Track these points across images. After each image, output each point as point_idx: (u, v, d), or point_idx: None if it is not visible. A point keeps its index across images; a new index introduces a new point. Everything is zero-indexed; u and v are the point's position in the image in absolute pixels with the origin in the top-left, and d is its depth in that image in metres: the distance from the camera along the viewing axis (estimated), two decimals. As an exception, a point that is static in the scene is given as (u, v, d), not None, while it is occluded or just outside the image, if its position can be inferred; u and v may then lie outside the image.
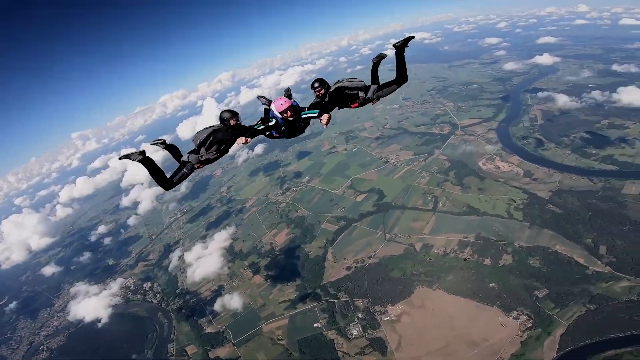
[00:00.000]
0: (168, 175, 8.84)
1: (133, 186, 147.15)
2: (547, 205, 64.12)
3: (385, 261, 62.37)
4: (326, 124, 9.07)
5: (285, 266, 70.32)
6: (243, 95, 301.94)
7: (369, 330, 52.29)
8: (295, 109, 9.13)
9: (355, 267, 63.30)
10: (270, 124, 9.04)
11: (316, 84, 9.79)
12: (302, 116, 9.32)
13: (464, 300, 51.79)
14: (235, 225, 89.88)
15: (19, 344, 75.09)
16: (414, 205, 74.03)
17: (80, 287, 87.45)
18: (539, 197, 66.47)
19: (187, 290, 73.76)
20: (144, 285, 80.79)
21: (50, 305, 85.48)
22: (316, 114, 9.17)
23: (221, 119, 8.93)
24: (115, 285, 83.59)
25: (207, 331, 62.28)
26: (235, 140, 8.90)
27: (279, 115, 9.02)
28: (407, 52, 9.77)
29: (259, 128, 9.00)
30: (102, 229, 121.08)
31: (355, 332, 52.73)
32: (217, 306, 66.31)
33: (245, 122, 9.23)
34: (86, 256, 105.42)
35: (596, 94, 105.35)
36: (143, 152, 8.23)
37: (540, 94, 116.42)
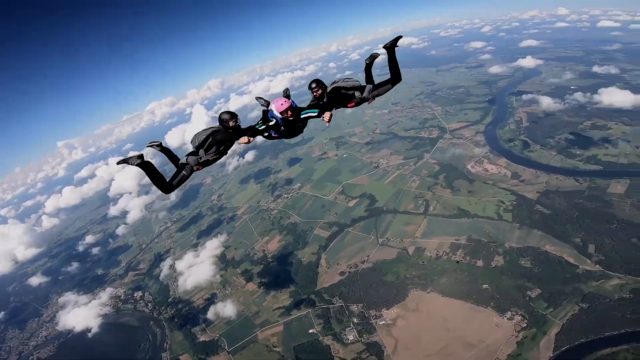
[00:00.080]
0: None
1: (121, 195, 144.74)
2: (535, 206, 65.24)
3: (379, 265, 62.48)
4: (328, 122, 9.14)
5: (278, 273, 69.87)
6: (233, 102, 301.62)
7: (364, 335, 52.11)
8: (294, 109, 9.22)
9: (349, 272, 63.22)
10: (270, 123, 9.08)
11: (313, 85, 10.00)
12: (302, 116, 9.38)
13: (458, 302, 52.10)
14: (227, 233, 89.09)
15: (8, 354, 73.34)
16: (406, 209, 74.51)
17: (69, 297, 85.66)
18: (527, 198, 67.63)
19: (180, 299, 72.67)
20: (135, 295, 79.38)
21: (39, 315, 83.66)
22: (316, 114, 9.24)
23: (220, 120, 8.97)
24: (104, 295, 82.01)
25: (201, 340, 61.35)
26: (234, 142, 8.92)
27: (279, 115, 9.08)
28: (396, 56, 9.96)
29: (259, 128, 9.02)
30: (90, 238, 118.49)
31: (351, 337, 52.51)
32: (210, 314, 65.37)
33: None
34: (74, 266, 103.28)
35: (578, 96, 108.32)
36: (141, 156, 8.16)
37: (524, 97, 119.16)
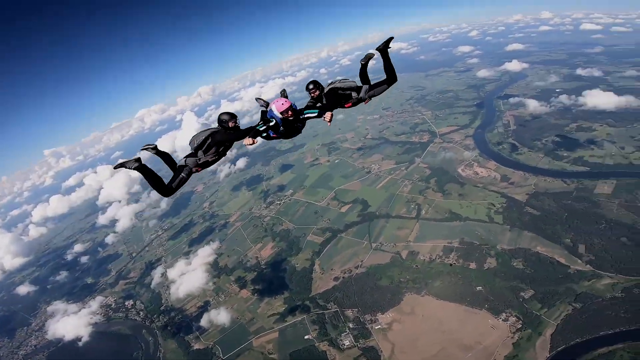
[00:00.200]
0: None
1: (110, 204, 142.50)
2: (525, 208, 66.15)
3: (373, 270, 62.55)
4: (330, 121, 9.28)
5: (272, 279, 69.44)
6: (224, 108, 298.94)
7: (360, 340, 51.98)
8: (294, 109, 9.28)
9: (343, 277, 63.14)
10: (271, 124, 9.08)
11: (311, 86, 10.05)
12: (304, 116, 9.50)
13: (453, 305, 52.38)
14: (219, 240, 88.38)
15: (-2, 363, 71.86)
16: (398, 213, 74.88)
17: (58, 305, 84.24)
18: (517, 201, 68.55)
19: (172, 307, 71.75)
20: (126, 303, 78.21)
21: (27, 324, 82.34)
22: (316, 114, 9.37)
23: (220, 120, 8.92)
24: (95, 304, 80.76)
25: (195, 348, 60.64)
26: (233, 142, 8.90)
27: (279, 116, 9.11)
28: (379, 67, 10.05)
29: (261, 129, 9.00)
30: (78, 247, 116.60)
31: (347, 343, 52.32)
32: (204, 322, 64.66)
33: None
34: (63, 275, 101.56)
35: (563, 98, 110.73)
36: (139, 160, 8.01)
37: (512, 100, 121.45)
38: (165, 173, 8.78)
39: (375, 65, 10.26)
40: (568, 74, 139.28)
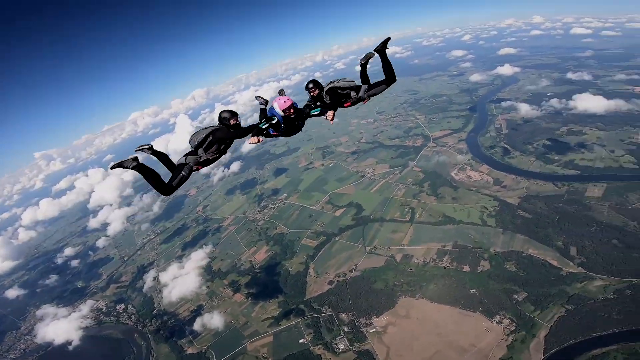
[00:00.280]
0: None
1: (101, 207, 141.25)
2: (518, 211, 66.73)
3: (367, 273, 62.47)
4: (332, 120, 9.45)
5: (266, 283, 68.96)
6: (218, 112, 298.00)
7: (355, 344, 51.74)
8: (295, 107, 9.38)
9: (338, 281, 62.95)
10: (273, 121, 9.10)
11: (310, 85, 10.06)
12: (311, 113, 9.64)
13: (447, 308, 52.48)
14: (213, 244, 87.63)
15: (-13, 367, 70.55)
16: (392, 217, 75.03)
17: (48, 309, 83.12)
18: (509, 204, 69.15)
19: (165, 311, 70.90)
20: (117, 307, 77.23)
21: (17, 328, 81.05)
22: (318, 112, 9.54)
23: (221, 118, 8.88)
24: (85, 308, 79.79)
25: (188, 352, 59.95)
26: (233, 140, 8.87)
27: (281, 113, 9.19)
28: (379, 68, 10.12)
29: (263, 126, 9.00)
30: (69, 251, 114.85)
31: (342, 346, 52.04)
32: (197, 326, 63.91)
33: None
34: (53, 279, 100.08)
35: (554, 102, 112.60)
36: (136, 159, 7.81)
37: (504, 104, 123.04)
38: (162, 174, 8.61)
39: (375, 68, 10.32)
40: (559, 78, 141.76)
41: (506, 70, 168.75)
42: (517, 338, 46.13)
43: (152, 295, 76.93)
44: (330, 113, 9.41)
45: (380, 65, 10.15)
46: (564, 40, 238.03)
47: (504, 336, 46.70)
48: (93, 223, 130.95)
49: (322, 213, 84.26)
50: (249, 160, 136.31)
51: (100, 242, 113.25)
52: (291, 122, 9.45)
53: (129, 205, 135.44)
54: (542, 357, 43.73)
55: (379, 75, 10.24)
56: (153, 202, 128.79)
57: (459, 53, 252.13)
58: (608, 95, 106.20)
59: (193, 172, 8.87)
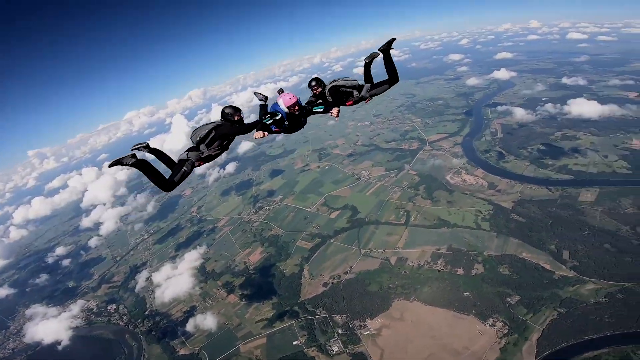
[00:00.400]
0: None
1: (94, 206, 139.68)
2: (511, 215, 67.11)
3: (362, 276, 62.43)
4: (337, 116, 9.63)
5: (260, 285, 68.64)
6: (214, 112, 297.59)
7: (349, 346, 51.62)
8: (300, 104, 9.48)
9: (332, 283, 62.85)
10: (277, 117, 9.12)
11: (313, 83, 10.22)
12: (306, 110, 9.71)
13: (441, 311, 52.57)
14: (207, 245, 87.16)
15: (-25, 366, 69.49)
16: (387, 220, 75.14)
17: (37, 309, 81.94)
18: (504, 208, 69.54)
19: (157, 312, 70.28)
20: (109, 308, 76.38)
21: (5, 327, 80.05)
22: (322, 110, 9.68)
23: (224, 114, 8.94)
24: (75, 308, 78.77)
25: (180, 353, 59.43)
26: (235, 136, 8.89)
27: (286, 110, 9.25)
28: (380, 69, 10.24)
29: (268, 122, 9.03)
30: (60, 250, 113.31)
31: (336, 348, 51.90)
32: (189, 327, 63.41)
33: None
34: (43, 278, 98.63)
35: (549, 107, 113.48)
36: (134, 155, 7.75)
37: (499, 108, 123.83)
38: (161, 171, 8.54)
39: (373, 71, 10.39)
40: (554, 83, 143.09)
41: (502, 74, 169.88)
42: (510, 341, 46.29)
43: (145, 296, 76.25)
44: (335, 110, 9.52)
45: (375, 69, 10.23)
46: (560, 45, 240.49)
47: (497, 339, 46.84)
48: (86, 222, 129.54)
49: (317, 215, 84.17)
50: (245, 161, 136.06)
51: (93, 242, 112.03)
52: (294, 118, 9.51)
53: (122, 204, 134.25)
54: (535, 360, 43.91)
55: (377, 77, 10.35)
56: (147, 202, 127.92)
57: (456, 57, 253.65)
58: (602, 101, 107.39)
59: (195, 168, 8.86)
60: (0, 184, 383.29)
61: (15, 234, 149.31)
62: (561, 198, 68.65)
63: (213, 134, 8.57)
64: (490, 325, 48.66)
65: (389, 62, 10.19)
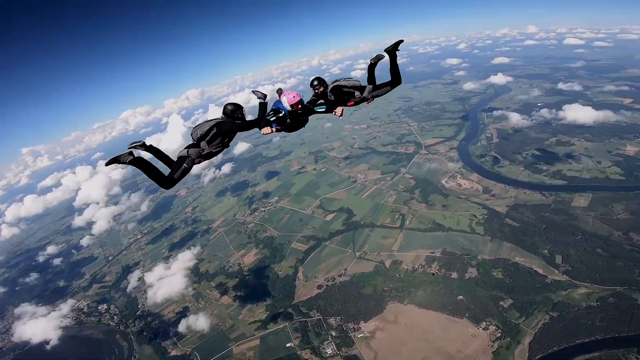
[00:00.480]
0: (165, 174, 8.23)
1: (87, 205, 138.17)
2: (505, 220, 67.47)
3: (356, 278, 62.35)
4: (341, 116, 9.55)
5: (254, 286, 68.25)
6: (211, 112, 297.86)
7: (343, 349, 51.42)
8: (303, 103, 9.47)
9: (327, 285, 62.68)
10: (280, 114, 9.12)
11: (315, 82, 10.24)
12: (308, 109, 9.71)
13: (435, 314, 52.61)
14: (201, 245, 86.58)
15: (-38, 365, 68.30)
16: (383, 223, 75.19)
17: (26, 308, 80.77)
18: (498, 212, 69.88)
19: (149, 312, 69.51)
20: (99, 307, 75.47)
21: None
22: (323, 109, 9.68)
23: (226, 111, 8.85)
24: (65, 307, 77.69)
25: (172, 354, 58.78)
26: (237, 133, 8.85)
27: (289, 108, 9.23)
28: (379, 72, 10.26)
29: (271, 119, 9.00)
30: (51, 249, 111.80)
31: (329, 351, 51.67)
32: (181, 328, 62.78)
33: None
34: (33, 277, 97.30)
35: (544, 112, 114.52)
36: (132, 153, 7.59)
37: (495, 113, 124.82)
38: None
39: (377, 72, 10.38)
40: (550, 88, 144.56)
41: (499, 79, 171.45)
42: (502, 344, 46.39)
43: (137, 296, 75.49)
44: (339, 109, 9.47)
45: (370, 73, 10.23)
46: (557, 51, 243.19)
47: (489, 342, 46.95)
48: (78, 221, 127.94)
49: (312, 217, 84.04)
50: (241, 162, 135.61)
51: (85, 241, 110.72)
52: (296, 117, 9.51)
53: (116, 204, 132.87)
54: (527, 364, 44.01)
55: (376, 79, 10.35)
56: (141, 201, 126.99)
57: (453, 61, 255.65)
58: (597, 106, 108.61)
59: (195, 165, 8.79)
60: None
61: (6, 232, 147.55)
62: (555, 203, 69.17)
63: (214, 130, 8.48)
64: (483, 328, 48.76)
65: (393, 64, 10.26)
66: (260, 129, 9.00)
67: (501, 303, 51.40)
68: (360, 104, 10.70)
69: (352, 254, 68.60)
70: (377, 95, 10.53)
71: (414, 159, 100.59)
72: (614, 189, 69.98)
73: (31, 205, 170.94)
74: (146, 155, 8.17)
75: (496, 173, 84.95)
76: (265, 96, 9.80)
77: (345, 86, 10.23)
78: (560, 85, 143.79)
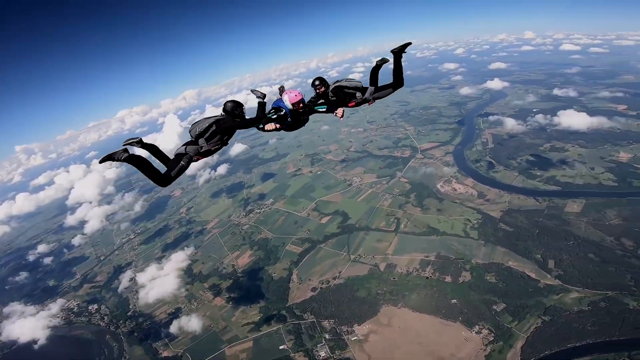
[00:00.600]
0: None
1: (80, 204, 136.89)
2: (499, 224, 67.78)
3: (351, 281, 62.21)
4: (342, 117, 9.54)
5: (248, 288, 67.87)
6: (208, 113, 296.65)
7: (337, 351, 51.17)
8: (304, 102, 9.52)
9: (321, 288, 62.46)
10: (281, 113, 9.13)
11: (317, 82, 10.26)
12: (308, 108, 9.74)
13: (429, 317, 52.62)
14: (195, 246, 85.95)
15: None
16: (378, 226, 75.20)
17: (15, 307, 79.48)
18: (492, 217, 70.21)
19: (140, 313, 68.71)
20: (90, 308, 74.46)
21: None
22: (324, 109, 9.70)
23: (226, 108, 8.82)
24: (55, 307, 76.61)
25: (163, 355, 58.11)
26: (236, 131, 8.81)
27: (290, 107, 9.24)
28: (379, 73, 10.35)
29: (273, 117, 9.02)
30: (42, 248, 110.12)
31: (323, 354, 51.40)
32: (174, 329, 62.09)
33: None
34: (23, 276, 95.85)
35: (539, 118, 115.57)
36: (127, 150, 7.38)
37: (491, 118, 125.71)
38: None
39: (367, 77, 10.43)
40: (545, 94, 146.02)
41: (495, 84, 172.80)
42: (495, 348, 46.46)
43: (128, 297, 74.67)
44: (340, 110, 9.46)
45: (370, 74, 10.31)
46: (553, 56, 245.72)
47: (482, 346, 46.98)
48: (70, 220, 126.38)
49: (308, 220, 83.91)
50: (237, 163, 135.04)
51: (76, 240, 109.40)
52: (297, 116, 9.53)
53: (109, 203, 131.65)
54: (518, 368, 44.14)
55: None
56: (135, 201, 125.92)
57: (451, 66, 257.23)
58: (591, 113, 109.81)
59: (193, 162, 8.72)
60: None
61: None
62: (548, 208, 69.66)
63: (214, 128, 8.41)
64: (476, 332, 48.84)
65: (397, 66, 10.30)
66: (261, 127, 8.97)
67: (494, 307, 51.55)
68: (361, 105, 10.72)
69: (347, 257, 68.49)
70: (379, 97, 10.61)
71: (410, 163, 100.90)
72: (607, 195, 70.66)
73: (23, 203, 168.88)
74: (142, 152, 8.03)
75: (491, 178, 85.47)
76: (264, 95, 9.81)
77: (347, 87, 10.27)
78: (556, 91, 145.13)
